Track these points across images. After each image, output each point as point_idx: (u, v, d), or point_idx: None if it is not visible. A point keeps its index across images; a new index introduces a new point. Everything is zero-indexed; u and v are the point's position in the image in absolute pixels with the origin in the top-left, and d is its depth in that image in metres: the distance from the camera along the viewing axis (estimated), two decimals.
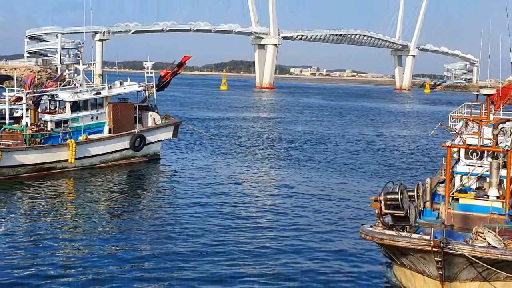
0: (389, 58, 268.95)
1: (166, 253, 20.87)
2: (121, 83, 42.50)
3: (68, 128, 37.71)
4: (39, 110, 38.04)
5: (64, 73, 44.64)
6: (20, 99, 40.08)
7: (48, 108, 39.40)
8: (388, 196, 17.60)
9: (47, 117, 37.67)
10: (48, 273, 18.63)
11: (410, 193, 18.87)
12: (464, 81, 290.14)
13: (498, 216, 18.99)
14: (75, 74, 43.04)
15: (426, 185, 20.98)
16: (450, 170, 20.53)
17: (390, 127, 79.18)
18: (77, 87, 40.92)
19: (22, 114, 38.89)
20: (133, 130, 40.31)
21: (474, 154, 21.33)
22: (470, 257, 15.09)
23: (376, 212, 17.77)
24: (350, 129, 73.27)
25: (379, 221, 17.48)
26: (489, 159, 20.63)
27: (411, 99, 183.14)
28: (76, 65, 44.06)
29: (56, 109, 39.13)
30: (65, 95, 38.66)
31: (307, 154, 48.10)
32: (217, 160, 43.51)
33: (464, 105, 28.52)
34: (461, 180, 21.12)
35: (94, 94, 39.61)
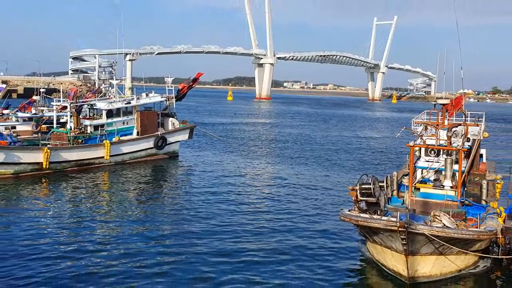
0: (363, 75, 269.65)
1: (183, 232, 20.89)
2: (147, 95, 42.59)
3: (104, 131, 37.79)
4: (80, 116, 38.09)
5: (101, 87, 44.60)
6: (65, 107, 40.17)
7: (88, 115, 39.43)
8: (363, 186, 17.62)
9: (87, 122, 37.74)
10: (88, 248, 18.67)
11: (380, 184, 18.90)
12: (424, 93, 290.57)
13: (452, 202, 19.02)
14: (110, 88, 43.04)
15: (393, 177, 21.03)
16: (413, 165, 20.54)
17: (364, 130, 79.15)
18: (111, 98, 40.96)
19: (67, 119, 38.95)
20: (156, 133, 40.36)
21: (432, 152, 21.36)
22: (429, 235, 15.12)
23: (353, 199, 17.79)
24: (332, 132, 73.25)
25: (355, 206, 17.50)
26: (444, 156, 20.66)
27: (381, 108, 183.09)
28: (110, 80, 43.91)
29: (94, 115, 39.14)
30: (101, 105, 38.73)
31: (297, 152, 48.09)
32: (224, 157, 43.51)
33: (424, 112, 28.48)
34: (422, 173, 21.13)
35: (125, 104, 39.67)
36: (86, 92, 42.80)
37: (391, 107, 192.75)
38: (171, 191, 30.18)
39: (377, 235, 16.19)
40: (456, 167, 19.81)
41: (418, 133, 24.26)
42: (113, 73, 44.70)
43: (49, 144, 34.85)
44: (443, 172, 20.18)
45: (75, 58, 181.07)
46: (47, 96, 55.47)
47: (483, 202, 19.79)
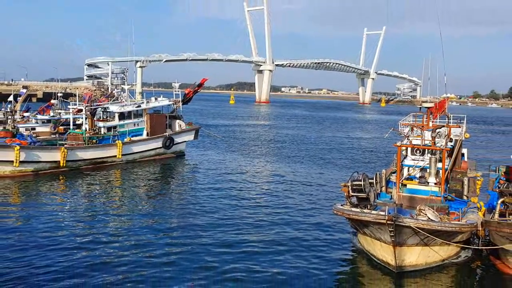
0: (354, 80, 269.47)
1: (189, 225, 20.89)
2: (155, 99, 42.57)
3: (116, 132, 37.82)
4: (95, 119, 38.11)
5: (114, 92, 44.58)
6: (80, 110, 40.17)
7: (101, 117, 39.47)
8: (354, 183, 17.64)
9: (101, 124, 37.76)
10: (102, 239, 18.68)
11: (370, 180, 18.92)
12: (410, 97, 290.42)
13: (436, 198, 19.02)
14: (122, 92, 43.04)
15: (382, 174, 21.02)
16: (400, 163, 20.54)
17: (355, 131, 79.13)
18: (123, 102, 40.97)
19: (82, 121, 38.96)
20: (164, 134, 40.36)
21: (418, 151, 21.36)
22: (415, 228, 15.12)
23: (345, 194, 17.80)
24: (325, 132, 73.23)
25: (347, 201, 17.51)
26: (429, 155, 20.67)
27: (371, 111, 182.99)
28: (122, 86, 43.91)
29: (108, 118, 39.19)
30: (114, 108, 38.74)
31: (293, 151, 48.09)
32: (227, 156, 43.52)
33: (410, 115, 28.47)
34: (408, 170, 21.13)
35: (136, 107, 39.68)
36: (100, 96, 42.65)
37: (380, 110, 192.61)
38: (178, 187, 30.19)
39: (367, 227, 16.20)
40: (439, 165, 19.81)
41: (405, 134, 24.25)
42: (124, 79, 44.70)
43: (66, 144, 34.86)
44: (428, 170, 20.17)
45: (89, 65, 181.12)
46: (64, 100, 55.50)
47: (465, 198, 19.80)
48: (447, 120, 24.84)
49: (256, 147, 50.94)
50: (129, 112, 38.96)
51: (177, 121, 42.56)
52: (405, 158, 21.89)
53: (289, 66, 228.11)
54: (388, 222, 14.80)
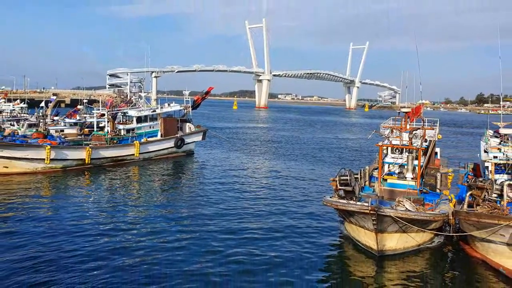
0: (341, 88, 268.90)
1: (197, 215, 20.89)
2: (168, 105, 42.57)
3: (134, 134, 37.80)
4: (115, 122, 38.09)
5: (132, 98, 44.57)
6: (103, 115, 40.10)
7: (121, 120, 39.43)
8: (341, 178, 17.61)
9: (121, 126, 37.76)
10: (121, 227, 18.69)
11: (355, 176, 18.91)
12: (390, 103, 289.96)
13: (412, 191, 19.02)
14: (139, 99, 43.03)
15: (366, 170, 21.04)
16: (381, 161, 20.54)
17: (342, 133, 79.05)
18: (140, 107, 40.96)
19: (105, 124, 38.92)
20: (176, 135, 40.35)
21: (397, 150, 21.36)
22: (394, 217, 15.13)
23: (333, 188, 17.79)
24: (316, 134, 73.15)
25: (335, 193, 17.50)
26: (407, 153, 20.66)
27: (356, 115, 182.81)
28: (139, 93, 43.92)
29: (127, 121, 39.17)
30: (132, 112, 38.72)
31: (288, 150, 48.06)
32: (230, 154, 43.48)
33: (390, 118, 28.46)
34: (388, 167, 21.14)
35: (151, 112, 39.66)
36: (120, 103, 42.62)
37: (364, 114, 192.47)
38: (188, 181, 30.17)
39: (353, 216, 16.21)
40: (416, 162, 19.82)
41: (386, 135, 24.25)
42: (141, 87, 44.68)
43: (90, 144, 34.85)
44: (406, 166, 20.17)
45: (111, 75, 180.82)
46: (89, 105, 55.55)
47: (438, 191, 19.83)
48: (422, 123, 24.83)
49: (256, 147, 50.90)
50: (146, 116, 38.95)
51: (187, 124, 42.55)
52: (386, 156, 21.89)
53: (285, 76, 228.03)
54: (371, 212, 14.81)
